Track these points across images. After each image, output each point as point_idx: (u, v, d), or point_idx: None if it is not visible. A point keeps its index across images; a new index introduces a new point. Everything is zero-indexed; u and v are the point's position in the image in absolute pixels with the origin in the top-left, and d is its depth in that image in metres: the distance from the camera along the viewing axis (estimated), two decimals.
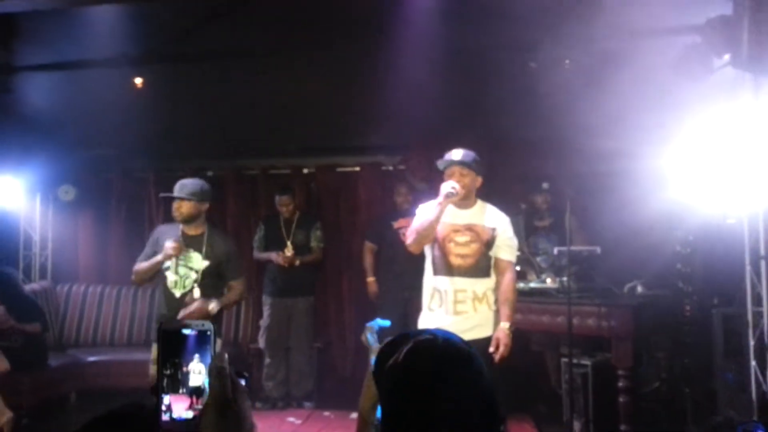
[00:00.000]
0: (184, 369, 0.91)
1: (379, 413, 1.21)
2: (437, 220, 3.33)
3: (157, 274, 3.76)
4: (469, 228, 3.42)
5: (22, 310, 5.07)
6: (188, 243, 3.71)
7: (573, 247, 4.19)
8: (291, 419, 5.06)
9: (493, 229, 3.44)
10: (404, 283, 4.99)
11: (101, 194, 6.46)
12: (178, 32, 5.24)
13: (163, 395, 0.89)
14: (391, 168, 6.10)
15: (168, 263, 3.68)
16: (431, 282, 3.47)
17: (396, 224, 5.40)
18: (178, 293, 3.66)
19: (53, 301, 5.97)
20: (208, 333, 0.93)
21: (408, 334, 1.12)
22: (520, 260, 4.78)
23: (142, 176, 6.46)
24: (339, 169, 6.21)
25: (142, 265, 3.76)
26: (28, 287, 5.72)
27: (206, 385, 0.89)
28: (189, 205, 3.70)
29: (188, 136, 6.04)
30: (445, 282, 3.40)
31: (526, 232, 4.70)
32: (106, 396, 4.70)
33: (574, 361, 4.15)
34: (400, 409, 1.03)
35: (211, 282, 3.67)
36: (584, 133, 4.65)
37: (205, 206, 3.78)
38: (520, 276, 4.76)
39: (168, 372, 0.90)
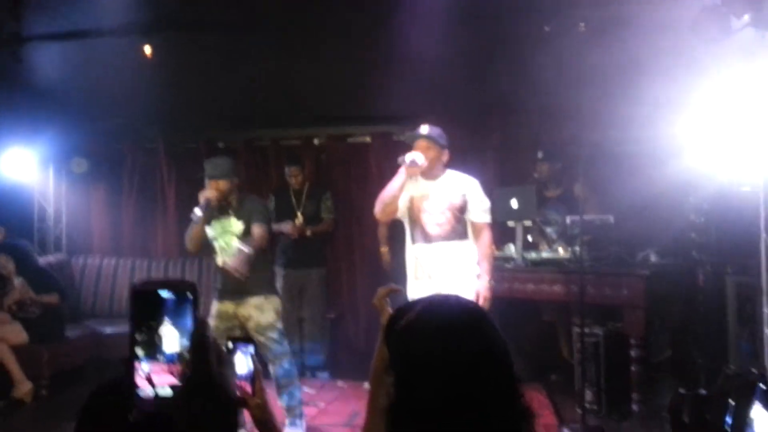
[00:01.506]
0: (159, 332, 0.81)
1: (389, 377, 1.20)
2: (400, 189, 3.52)
3: (204, 241, 3.95)
4: (442, 196, 3.60)
5: (39, 282, 5.14)
6: (222, 210, 3.94)
7: (585, 216, 4.16)
8: (305, 389, 5.09)
9: (463, 195, 3.62)
10: None
11: (113, 166, 6.48)
12: (189, 1, 5.18)
13: (139, 363, 0.80)
14: (402, 138, 6.04)
15: (213, 234, 3.92)
16: (412, 251, 3.68)
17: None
18: (226, 258, 3.90)
19: (68, 273, 6.04)
20: (188, 294, 0.82)
21: (417, 299, 1.11)
22: (531, 230, 4.77)
23: (153, 147, 6.47)
24: (350, 140, 6.17)
25: (188, 232, 3.97)
26: (43, 260, 5.79)
27: (185, 353, 0.80)
28: (225, 182, 3.91)
29: (199, 107, 6.02)
30: (424, 249, 3.60)
31: (538, 202, 4.67)
32: (122, 366, 4.76)
33: (586, 330, 4.15)
34: (414, 369, 1.01)
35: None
36: (597, 100, 4.59)
37: (237, 181, 4.03)
38: (532, 246, 4.75)
39: (142, 337, 0.81)
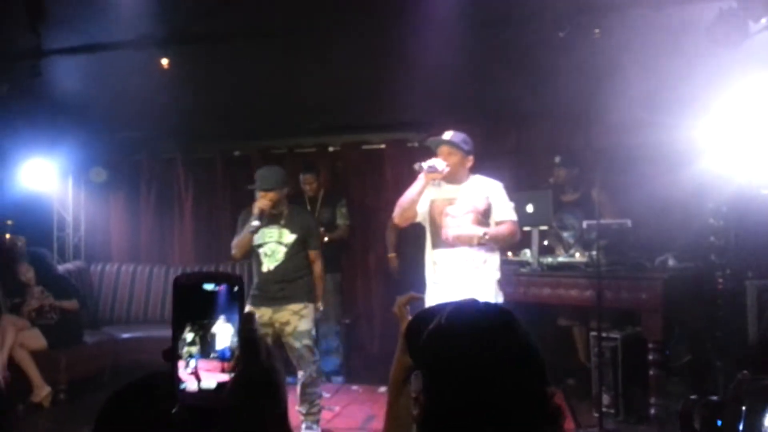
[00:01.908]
0: (212, 331, 0.78)
1: (413, 384, 1.19)
2: (419, 194, 3.50)
3: (251, 248, 4.06)
4: (465, 200, 3.55)
5: (58, 288, 5.21)
6: (272, 220, 4.03)
7: (602, 221, 4.14)
8: (321, 392, 5.12)
9: (487, 198, 3.58)
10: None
11: (131, 176, 6.58)
12: (202, 12, 5.24)
13: (189, 360, 0.77)
14: (416, 144, 6.07)
15: (260, 241, 4.02)
16: (431, 256, 3.63)
17: None
18: (271, 266, 4.02)
19: (87, 280, 6.11)
20: (236, 289, 0.78)
21: (439, 305, 1.10)
22: (548, 235, 4.76)
23: (170, 157, 6.55)
24: (364, 147, 6.20)
25: (238, 238, 4.06)
26: (62, 267, 5.87)
27: (235, 348, 0.77)
28: (276, 193, 3.99)
29: (214, 116, 6.09)
30: (445, 254, 3.54)
31: (554, 206, 4.65)
32: (140, 371, 4.78)
33: (603, 334, 4.12)
34: (445, 375, 1.00)
35: (296, 253, 4.05)
36: (614, 104, 4.56)
37: (287, 190, 4.14)
38: (548, 250, 4.73)
39: (196, 335, 0.77)
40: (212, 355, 0.77)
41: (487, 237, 3.47)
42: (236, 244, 4.06)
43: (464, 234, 3.48)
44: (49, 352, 4.90)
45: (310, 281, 4.14)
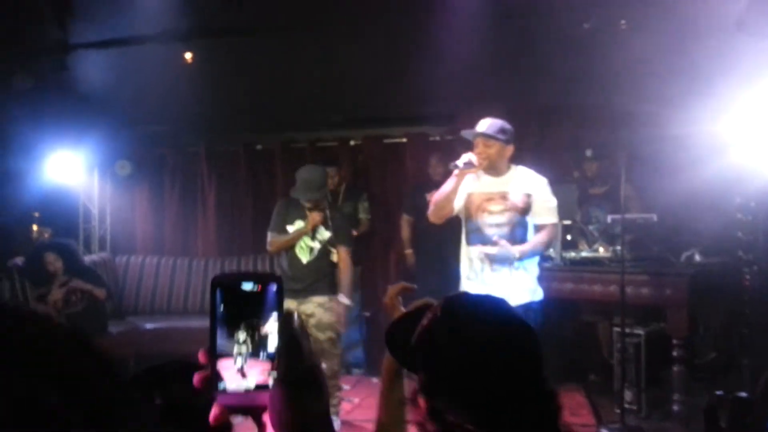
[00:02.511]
0: (262, 330, 0.77)
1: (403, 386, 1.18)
2: (454, 191, 3.35)
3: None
4: (503, 196, 3.38)
5: (86, 278, 5.31)
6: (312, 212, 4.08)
7: (627, 215, 4.09)
8: (341, 385, 5.15)
9: (529, 195, 3.39)
10: (440, 254, 5.06)
11: (155, 169, 6.65)
12: (226, 6, 5.27)
13: (238, 358, 0.77)
14: (438, 138, 6.05)
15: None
16: (466, 252, 3.46)
17: (429, 196, 5.40)
18: (304, 260, 4.08)
19: (112, 271, 6.20)
20: (276, 288, 0.78)
21: (423, 303, 1.09)
22: (571, 229, 4.71)
23: (193, 151, 6.61)
24: (386, 141, 6.19)
25: (282, 238, 4.10)
26: (88, 259, 5.96)
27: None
28: (320, 199, 4.10)
29: (237, 110, 6.13)
30: (481, 252, 3.38)
31: (579, 200, 4.61)
32: (163, 361, 4.87)
33: (627, 330, 4.08)
34: (444, 366, 0.99)
35: (329, 250, 4.11)
36: (640, 97, 4.50)
37: (326, 191, 4.23)
38: (571, 245, 4.69)
39: (246, 335, 0.77)
40: (262, 355, 0.77)
41: (517, 257, 3.31)
42: (278, 243, 4.11)
43: (497, 254, 3.33)
44: None
45: (335, 275, 4.19)
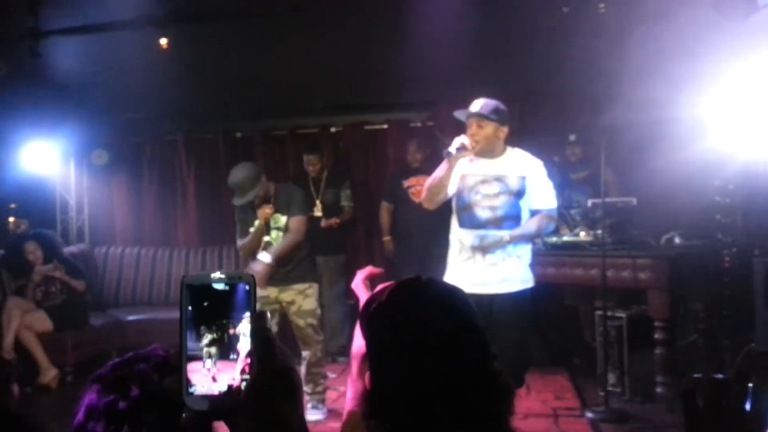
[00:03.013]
0: (232, 332, 0.75)
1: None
2: (447, 177, 3.25)
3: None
4: (498, 178, 3.28)
5: (66, 269, 5.23)
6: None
7: (608, 199, 4.11)
8: (326, 373, 5.14)
9: (523, 178, 3.29)
10: (419, 241, 5.11)
11: (133, 158, 6.55)
12: None
13: (208, 360, 0.74)
14: (419, 124, 6.03)
15: (263, 258, 3.96)
16: (457, 235, 3.36)
17: (406, 183, 5.42)
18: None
19: (92, 263, 6.12)
20: (248, 288, 0.76)
21: (390, 284, 1.08)
22: None
23: (171, 139, 6.52)
24: (367, 127, 6.16)
25: (245, 241, 4.05)
26: (66, 250, 5.87)
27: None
28: (259, 193, 3.95)
29: (216, 97, 6.04)
30: (472, 235, 3.29)
31: (560, 184, 4.61)
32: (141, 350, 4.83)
33: (609, 313, 4.11)
34: (386, 354, 0.99)
35: None
36: (619, 82, 4.51)
37: (264, 179, 4.01)
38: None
39: (216, 337, 0.75)
40: (232, 356, 0.75)
41: (507, 239, 3.24)
42: (246, 248, 4.07)
43: (487, 236, 3.26)
44: (55, 335, 4.93)
45: (311, 261, 4.18)
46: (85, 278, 5.36)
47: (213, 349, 0.75)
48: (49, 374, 4.79)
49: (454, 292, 1.05)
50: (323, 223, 5.45)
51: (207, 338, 0.75)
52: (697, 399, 0.69)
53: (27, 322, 4.82)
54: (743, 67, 3.84)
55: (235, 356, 0.75)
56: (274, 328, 4.00)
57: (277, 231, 4.03)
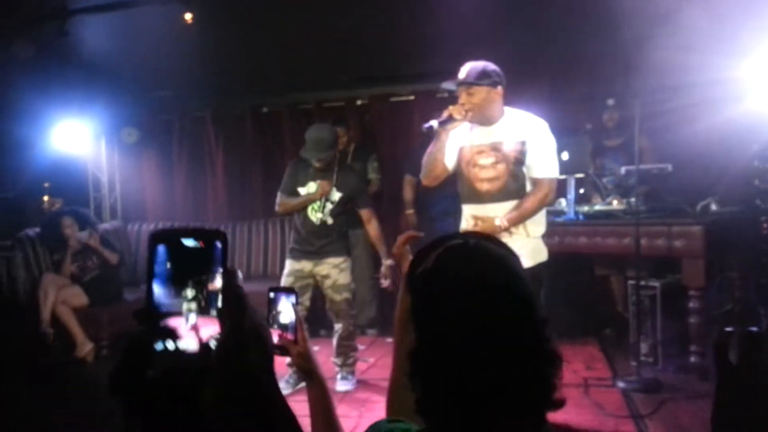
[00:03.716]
0: (210, 287, 0.75)
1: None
2: (440, 151, 3.04)
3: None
4: (494, 147, 3.02)
5: (102, 240, 5.36)
6: (323, 176, 4.05)
7: (642, 166, 4.01)
8: (357, 345, 5.18)
9: (522, 143, 3.00)
10: (443, 214, 5.05)
11: (162, 135, 6.62)
12: None
13: (188, 317, 0.73)
14: (446, 95, 5.93)
15: (307, 192, 4.06)
16: (463, 210, 3.20)
17: None
18: (316, 221, 4.06)
19: (125, 239, 6.22)
20: (220, 245, 0.74)
21: (441, 239, 1.05)
22: (584, 183, 4.64)
23: (199, 116, 6.56)
24: (393, 99, 6.10)
25: (291, 201, 4.09)
26: (100, 227, 5.98)
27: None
28: (330, 158, 4.02)
29: (242, 73, 6.03)
30: (476, 210, 3.08)
31: (593, 152, 4.52)
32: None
33: (642, 283, 4.04)
34: (430, 317, 0.97)
35: (341, 212, 4.09)
36: (655, 46, 4.37)
37: (336, 150, 4.12)
38: (584, 198, 4.62)
39: (195, 292, 0.74)
40: (212, 312, 0.74)
41: (504, 226, 2.95)
42: (287, 206, 4.10)
43: (483, 228, 2.97)
44: (90, 310, 5.04)
45: (347, 237, 4.22)
46: (118, 252, 5.46)
47: (193, 305, 0.74)
48: (85, 348, 4.91)
49: (502, 256, 1.02)
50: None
51: (188, 294, 0.74)
52: (730, 352, 0.66)
53: (63, 298, 4.94)
54: None
55: (215, 312, 0.74)
56: (307, 303, 4.03)
57: (326, 201, 4.06)
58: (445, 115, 2.96)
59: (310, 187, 4.06)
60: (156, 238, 0.75)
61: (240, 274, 0.73)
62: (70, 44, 5.64)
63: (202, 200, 6.59)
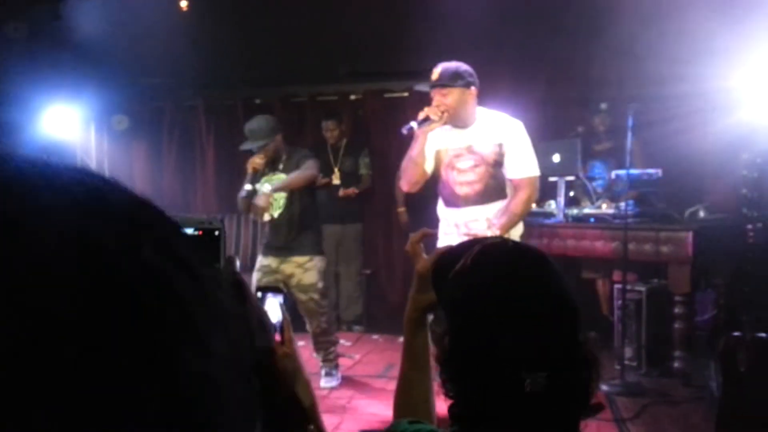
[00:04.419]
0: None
1: (436, 325, 1.15)
2: (420, 154, 2.99)
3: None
4: (470, 150, 3.02)
5: None
6: (273, 167, 3.90)
7: (632, 171, 4.03)
8: (341, 341, 5.16)
9: (500, 145, 3.00)
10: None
11: (153, 123, 6.56)
12: None
13: None
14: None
15: (263, 190, 3.86)
16: (442, 213, 3.20)
17: None
18: (275, 213, 3.90)
19: None
20: (217, 233, 0.76)
21: (472, 241, 1.05)
22: (574, 185, 4.66)
23: (191, 104, 6.52)
24: (387, 95, 6.09)
25: (239, 197, 3.97)
26: None
27: None
28: (268, 149, 3.83)
29: (236, 63, 6.00)
30: (456, 214, 3.09)
31: (582, 155, 4.53)
32: None
33: (628, 287, 4.06)
34: (471, 316, 0.96)
35: (298, 198, 3.89)
36: (649, 54, 4.39)
37: (280, 136, 3.93)
38: (574, 202, 4.64)
39: None
40: None
41: (497, 232, 2.91)
42: (239, 202, 3.97)
43: (474, 233, 2.93)
44: None
45: (316, 232, 4.01)
46: None
47: None
48: None
49: (541, 258, 1.00)
50: (341, 192, 5.43)
51: None
52: (737, 358, 0.65)
53: None
54: None
55: None
56: None
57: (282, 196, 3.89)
58: (421, 116, 2.94)
59: (264, 183, 3.89)
60: None
61: (238, 262, 0.74)
62: (63, 28, 5.59)
63: (191, 190, 6.56)
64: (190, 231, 0.76)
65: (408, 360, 1.24)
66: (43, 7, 5.36)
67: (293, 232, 3.88)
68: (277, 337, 1.34)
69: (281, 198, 3.88)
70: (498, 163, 3.02)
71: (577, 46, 4.85)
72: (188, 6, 5.23)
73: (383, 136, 6.03)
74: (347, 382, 4.20)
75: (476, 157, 3.02)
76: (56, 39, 5.58)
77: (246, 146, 3.88)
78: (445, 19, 4.65)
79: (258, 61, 5.98)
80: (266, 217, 3.92)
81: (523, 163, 3.03)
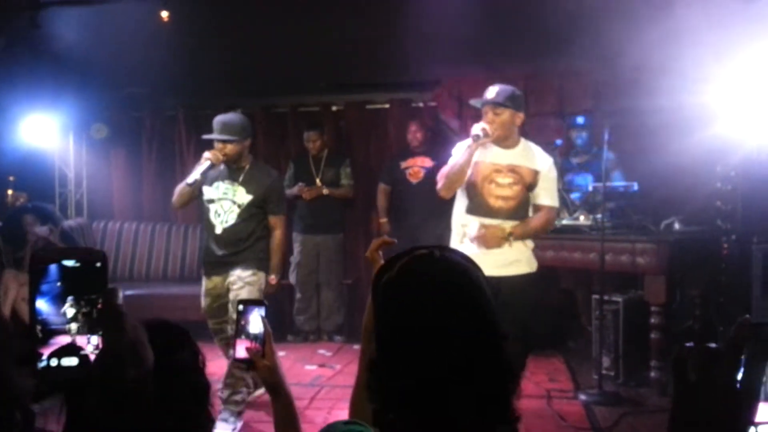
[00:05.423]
0: (99, 306, 0.77)
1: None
2: (467, 163, 3.20)
3: (195, 197, 3.65)
4: (512, 169, 3.26)
5: (64, 236, 5.25)
6: (230, 174, 3.61)
7: (609, 183, 4.10)
8: (321, 351, 5.19)
9: (537, 172, 3.28)
10: (413, 222, 5.10)
11: (133, 132, 6.51)
12: None
13: (71, 335, 0.76)
14: (421, 104, 5.99)
15: (212, 196, 3.61)
16: (461, 219, 3.32)
17: (404, 164, 5.41)
18: (219, 229, 3.59)
19: (89, 237, 6.11)
20: (98, 265, 0.78)
21: (410, 249, 1.06)
22: None
23: (171, 114, 6.48)
24: (368, 106, 6.12)
25: (179, 188, 3.62)
26: (65, 223, 5.86)
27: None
28: (232, 146, 3.54)
29: (217, 73, 5.99)
30: (479, 222, 3.25)
31: (561, 168, 4.60)
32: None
33: (606, 297, 4.12)
34: (391, 326, 0.97)
35: (250, 216, 3.60)
36: (625, 67, 4.48)
37: (248, 142, 3.66)
38: None
39: (77, 311, 0.77)
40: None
41: (512, 238, 3.21)
42: (177, 191, 3.61)
43: (488, 238, 3.21)
44: None
45: (265, 247, 3.66)
46: None
47: (74, 325, 0.77)
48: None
49: (466, 269, 1.01)
50: (305, 192, 5.39)
51: (69, 313, 0.77)
52: (688, 368, 0.68)
53: (24, 295, 4.82)
54: (748, 54, 3.80)
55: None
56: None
57: (232, 204, 3.58)
58: (476, 129, 3.16)
59: (218, 188, 3.58)
60: (38, 258, 0.77)
61: (120, 293, 0.75)
62: (41, 36, 5.53)
63: (170, 200, 6.48)
64: (70, 263, 0.77)
65: (363, 369, 1.26)
66: (22, 16, 5.30)
67: (235, 248, 3.57)
68: (259, 347, 1.35)
69: (233, 212, 3.58)
70: (531, 187, 3.29)
71: (555, 59, 4.92)
72: (169, 16, 5.20)
73: (364, 146, 6.06)
74: (328, 392, 4.19)
75: (516, 176, 3.27)
76: (35, 48, 5.53)
77: (210, 136, 3.60)
78: (425, 32, 4.69)
79: (240, 72, 5.98)
80: (213, 231, 3.58)
81: (550, 193, 3.34)
